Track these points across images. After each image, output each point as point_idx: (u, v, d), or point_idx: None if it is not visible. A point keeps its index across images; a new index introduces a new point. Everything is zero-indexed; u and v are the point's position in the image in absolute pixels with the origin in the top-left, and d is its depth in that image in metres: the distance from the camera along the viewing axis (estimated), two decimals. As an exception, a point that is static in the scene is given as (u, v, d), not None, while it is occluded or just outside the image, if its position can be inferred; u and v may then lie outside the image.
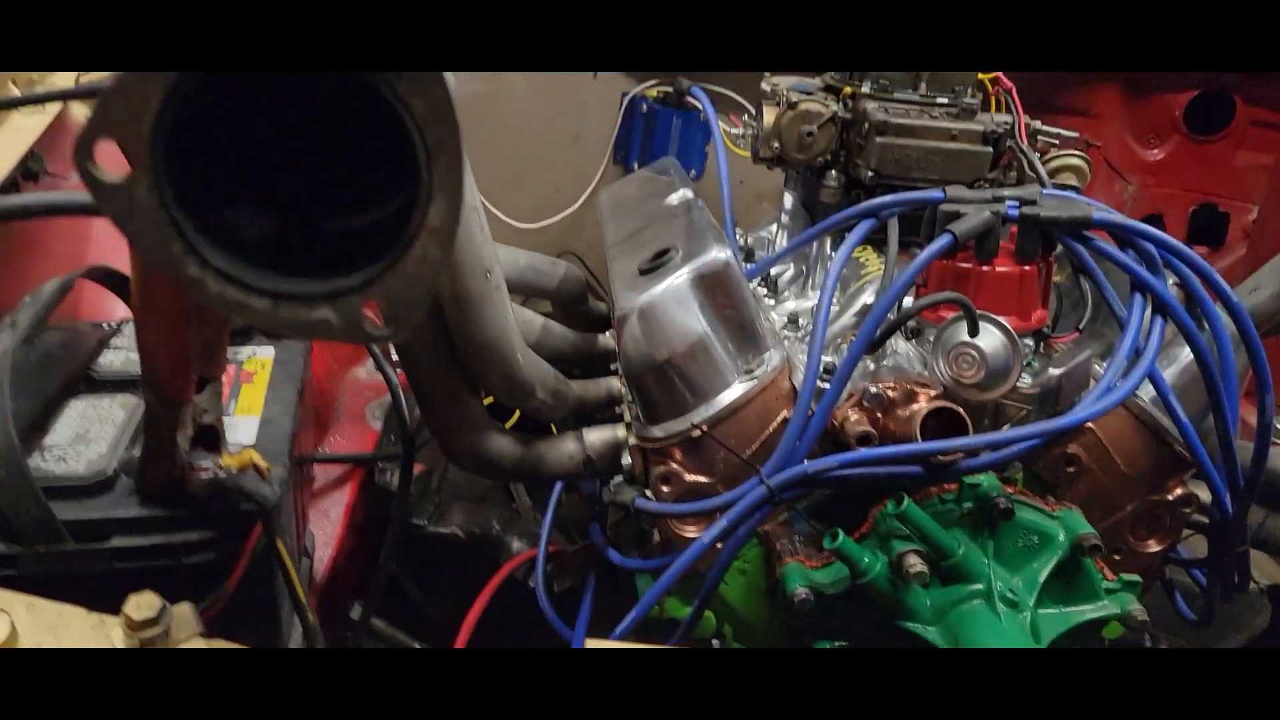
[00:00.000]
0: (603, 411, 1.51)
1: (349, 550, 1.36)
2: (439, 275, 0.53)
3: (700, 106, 2.00)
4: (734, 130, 1.79)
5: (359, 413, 1.57)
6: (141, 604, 0.66)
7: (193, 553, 0.83)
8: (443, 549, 1.68)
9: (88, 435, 0.89)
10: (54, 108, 1.30)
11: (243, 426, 0.96)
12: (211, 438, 0.84)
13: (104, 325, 1.15)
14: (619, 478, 1.36)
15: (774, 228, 1.76)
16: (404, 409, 1.26)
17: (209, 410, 0.82)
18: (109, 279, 1.07)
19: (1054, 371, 1.20)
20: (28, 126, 1.25)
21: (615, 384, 1.50)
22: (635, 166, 2.13)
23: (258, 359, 1.10)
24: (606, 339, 1.71)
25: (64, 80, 1.34)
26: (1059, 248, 1.22)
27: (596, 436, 1.38)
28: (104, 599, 0.69)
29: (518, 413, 1.82)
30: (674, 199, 1.54)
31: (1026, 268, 1.20)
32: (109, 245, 1.30)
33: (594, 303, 1.83)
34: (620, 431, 1.37)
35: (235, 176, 0.60)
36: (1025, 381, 1.20)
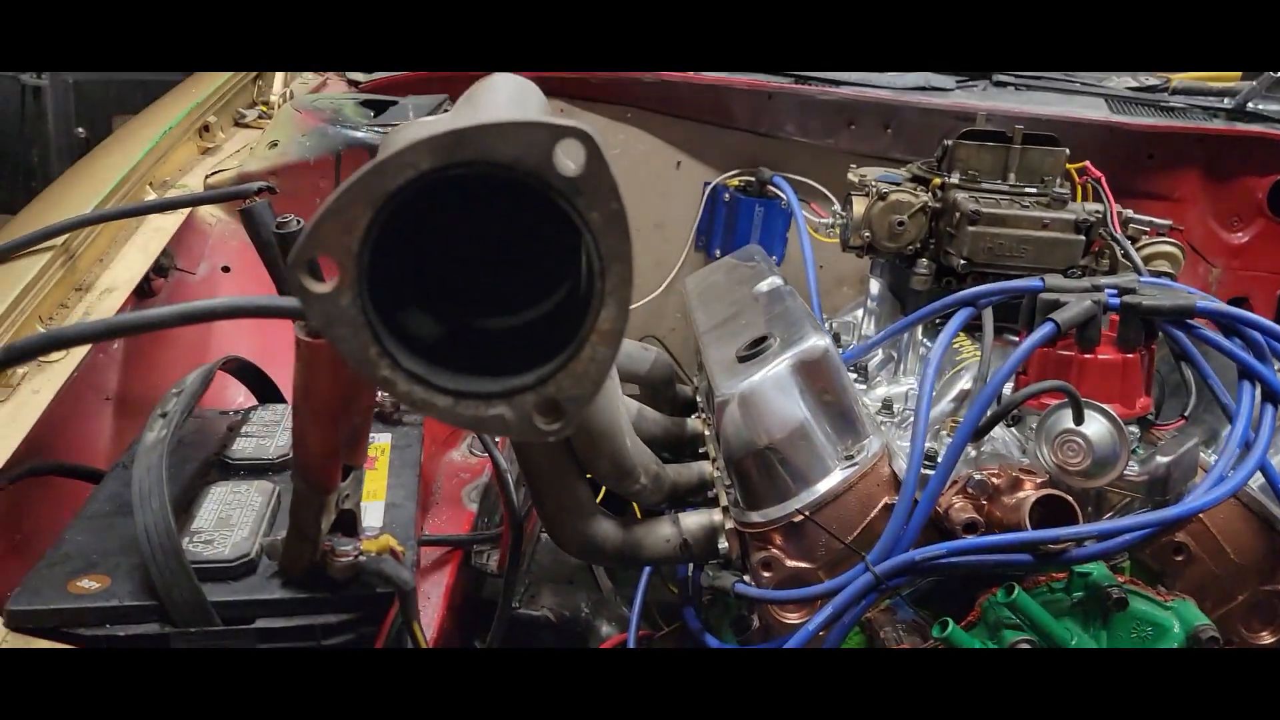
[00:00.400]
0: (695, 496, 1.52)
1: (447, 632, 1.38)
2: (606, 374, 0.56)
3: (782, 195, 2.05)
4: (817, 219, 1.83)
5: (455, 495, 1.60)
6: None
7: (332, 634, 0.86)
8: (533, 631, 1.69)
9: (230, 519, 0.93)
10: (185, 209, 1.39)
11: (370, 511, 1.00)
12: (350, 523, 0.87)
13: (229, 413, 1.20)
14: (714, 562, 1.37)
15: (859, 313, 1.78)
16: (511, 491, 1.29)
17: (350, 496, 0.86)
18: (241, 370, 1.13)
19: (1162, 459, 1.19)
20: (163, 225, 1.33)
21: (706, 468, 1.51)
22: (717, 254, 2.18)
23: (377, 445, 1.14)
24: (694, 423, 1.73)
25: (194, 183, 1.43)
26: (1160, 335, 1.22)
27: (693, 521, 1.39)
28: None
29: (602, 492, 1.84)
30: (764, 286, 1.57)
31: (1129, 355, 1.21)
32: (232, 334, 1.37)
33: (679, 387, 1.85)
34: (717, 516, 1.38)
35: (407, 281, 0.65)
36: (1132, 469, 1.19)
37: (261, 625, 0.85)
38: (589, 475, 1.22)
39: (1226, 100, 2.10)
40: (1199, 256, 2.13)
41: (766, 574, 1.24)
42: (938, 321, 1.48)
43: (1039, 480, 1.18)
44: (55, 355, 1.05)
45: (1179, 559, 1.20)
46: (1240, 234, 2.12)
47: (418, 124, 0.60)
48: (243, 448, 1.07)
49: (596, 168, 0.54)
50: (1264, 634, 1.24)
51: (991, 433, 1.29)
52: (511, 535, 1.30)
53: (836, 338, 1.78)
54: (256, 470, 1.03)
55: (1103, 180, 1.52)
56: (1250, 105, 2.07)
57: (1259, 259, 2.12)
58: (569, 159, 0.54)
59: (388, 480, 1.07)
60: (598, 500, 1.77)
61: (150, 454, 0.87)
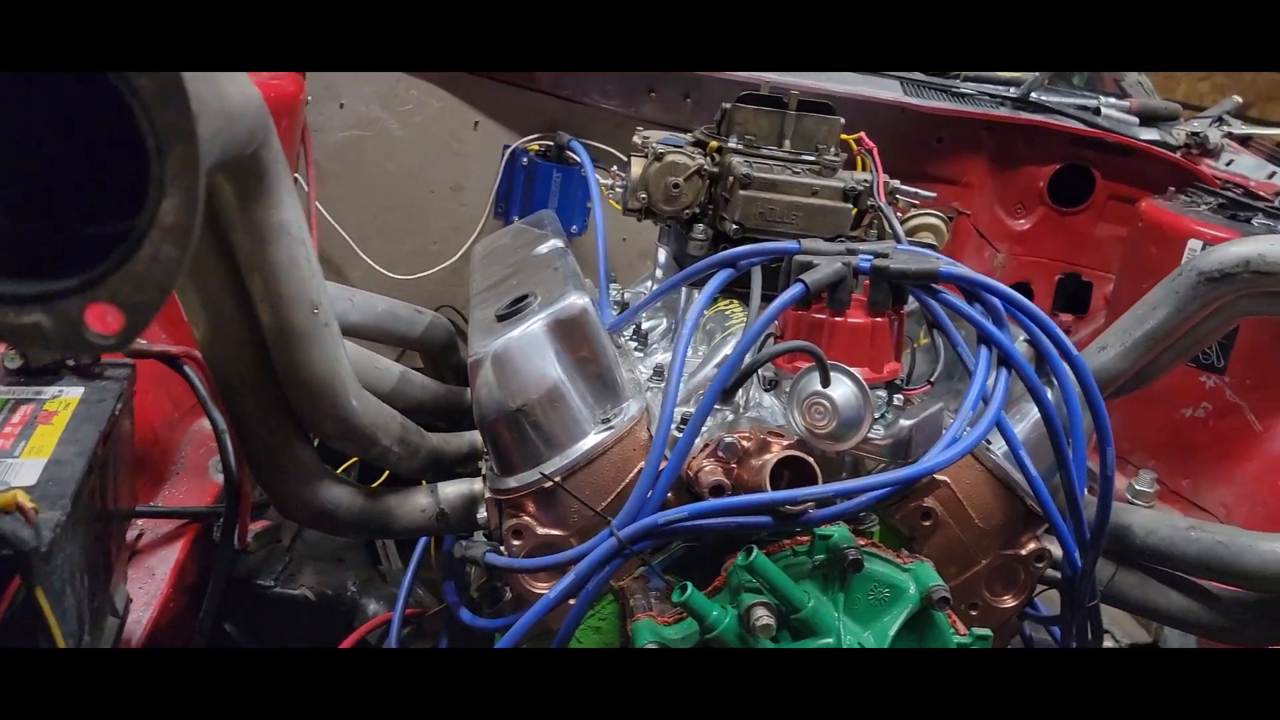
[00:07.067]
0: (464, 465, 1.45)
1: (175, 611, 1.26)
2: (175, 276, 0.48)
3: (580, 161, 1.99)
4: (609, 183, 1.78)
5: (201, 466, 1.48)
6: None
7: (-56, 602, 0.74)
8: (290, 612, 1.58)
9: None
10: None
11: (26, 468, 0.88)
12: (-27, 475, 0.76)
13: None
14: (478, 534, 1.30)
15: (650, 283, 1.74)
16: (230, 454, 1.18)
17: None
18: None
19: (905, 423, 1.19)
20: None
21: (478, 438, 1.44)
22: (516, 220, 2.11)
23: (63, 399, 1.02)
24: (473, 392, 1.66)
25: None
26: (910, 300, 1.22)
27: (452, 490, 1.32)
28: None
29: (387, 473, 1.76)
30: (543, 249, 1.51)
31: (878, 319, 1.20)
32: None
33: (465, 355, 1.78)
34: (477, 484, 1.32)
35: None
36: (878, 433, 1.19)
37: None
38: (316, 437, 1.14)
39: (1012, 89, 2.16)
40: (985, 241, 2.19)
41: (517, 542, 1.18)
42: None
43: (787, 443, 1.16)
44: None
45: (927, 524, 1.21)
46: (1023, 220, 2.19)
47: None
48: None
49: (146, 27, 0.45)
50: (1006, 597, 1.26)
51: (760, 400, 1.27)
52: (228, 503, 1.19)
53: (625, 305, 1.73)
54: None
55: (874, 151, 1.52)
56: (1033, 95, 2.13)
57: (1040, 245, 2.20)
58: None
59: (60, 436, 0.95)
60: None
61: None
